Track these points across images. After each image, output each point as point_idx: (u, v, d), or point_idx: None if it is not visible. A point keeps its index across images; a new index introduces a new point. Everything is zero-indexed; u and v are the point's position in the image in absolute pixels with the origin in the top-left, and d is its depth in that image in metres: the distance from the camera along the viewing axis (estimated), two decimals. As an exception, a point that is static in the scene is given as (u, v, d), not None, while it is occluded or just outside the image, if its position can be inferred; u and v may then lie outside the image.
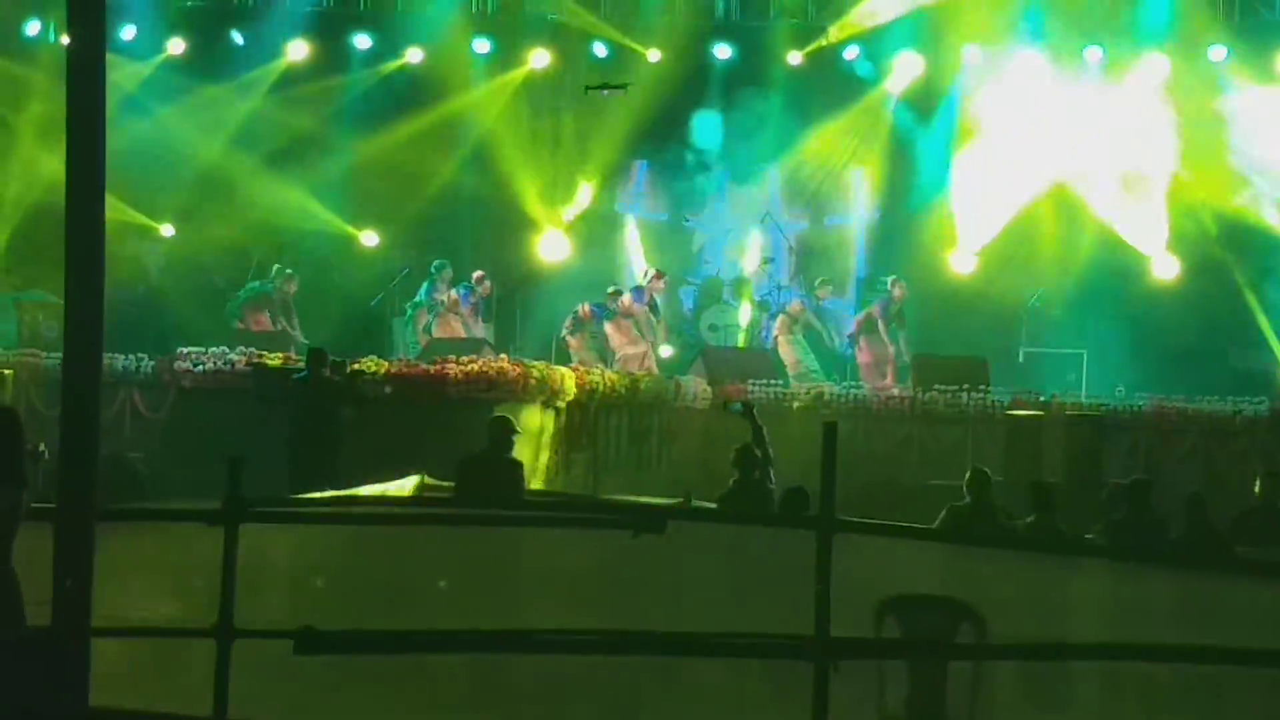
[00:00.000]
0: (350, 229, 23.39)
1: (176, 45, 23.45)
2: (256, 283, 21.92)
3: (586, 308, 21.30)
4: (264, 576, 7.10)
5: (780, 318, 21.79)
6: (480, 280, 21.71)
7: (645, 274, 22.31)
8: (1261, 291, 21.23)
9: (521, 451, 16.40)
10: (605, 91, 21.84)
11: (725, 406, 18.68)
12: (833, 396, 19.31)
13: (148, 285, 22.30)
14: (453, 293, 21.29)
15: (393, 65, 23.73)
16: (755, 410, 14.36)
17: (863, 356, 21.38)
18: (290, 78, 23.72)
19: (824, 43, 22.90)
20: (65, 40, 5.10)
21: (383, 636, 6.76)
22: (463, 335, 20.78)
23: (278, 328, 21.30)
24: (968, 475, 12.87)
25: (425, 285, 21.62)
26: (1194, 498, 12.94)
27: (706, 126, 23.52)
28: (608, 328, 21.19)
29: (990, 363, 19.89)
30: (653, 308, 21.65)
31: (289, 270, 21.86)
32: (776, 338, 21.66)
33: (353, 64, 23.95)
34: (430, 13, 23.59)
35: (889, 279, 21.60)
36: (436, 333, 20.92)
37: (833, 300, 22.81)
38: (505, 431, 13.39)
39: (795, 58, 23.01)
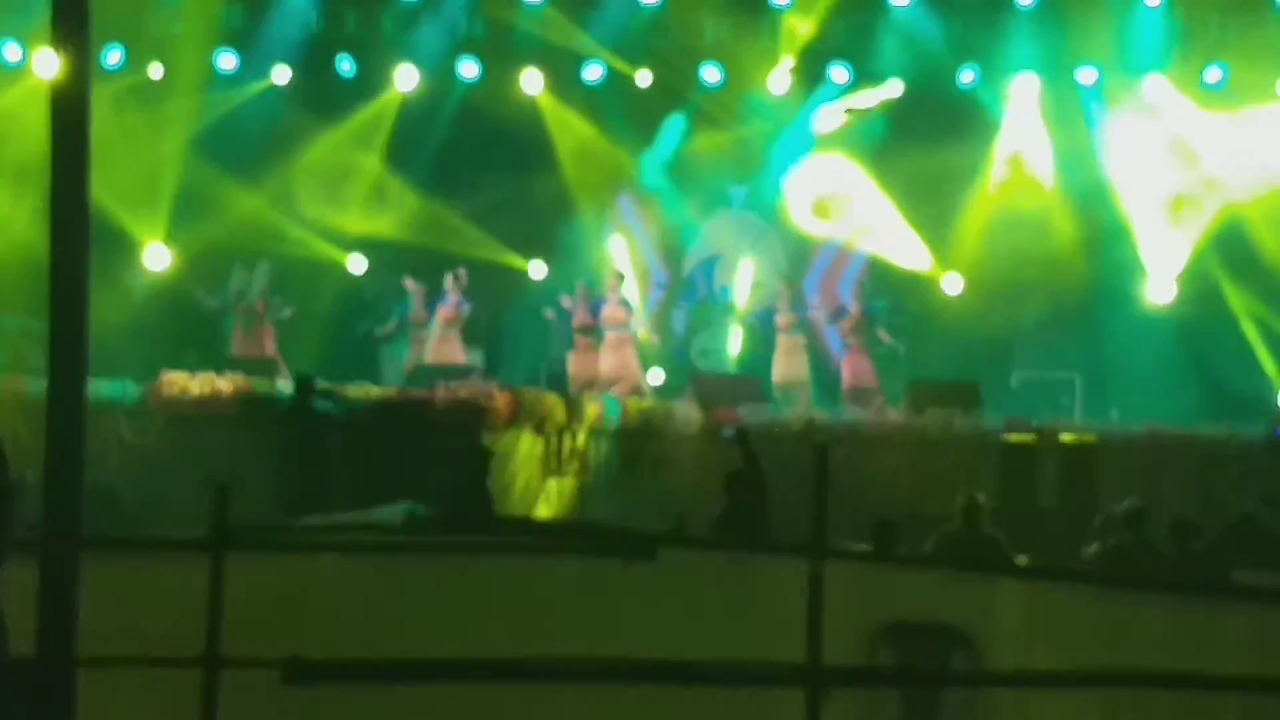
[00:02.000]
0: (338, 253, 23.40)
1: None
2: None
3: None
4: (251, 605, 7.04)
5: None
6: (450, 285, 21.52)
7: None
8: (1258, 317, 21.23)
9: (510, 479, 16.41)
10: None
11: (719, 432, 18.69)
12: (824, 422, 19.25)
13: (133, 310, 22.25)
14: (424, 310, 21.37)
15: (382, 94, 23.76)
16: (749, 437, 14.34)
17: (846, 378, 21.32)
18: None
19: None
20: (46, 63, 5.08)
21: (371, 666, 6.70)
22: (444, 351, 20.86)
23: (269, 352, 21.30)
24: (960, 501, 12.84)
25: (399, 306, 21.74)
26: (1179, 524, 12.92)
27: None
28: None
29: (983, 388, 19.87)
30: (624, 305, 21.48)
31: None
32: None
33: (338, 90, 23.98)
34: (416, 36, 23.60)
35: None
36: (415, 353, 21.07)
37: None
38: (480, 459, 13.43)
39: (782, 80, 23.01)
